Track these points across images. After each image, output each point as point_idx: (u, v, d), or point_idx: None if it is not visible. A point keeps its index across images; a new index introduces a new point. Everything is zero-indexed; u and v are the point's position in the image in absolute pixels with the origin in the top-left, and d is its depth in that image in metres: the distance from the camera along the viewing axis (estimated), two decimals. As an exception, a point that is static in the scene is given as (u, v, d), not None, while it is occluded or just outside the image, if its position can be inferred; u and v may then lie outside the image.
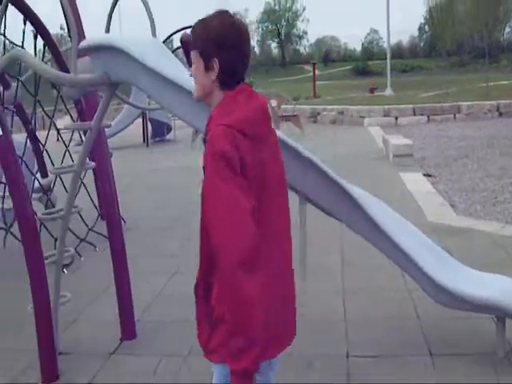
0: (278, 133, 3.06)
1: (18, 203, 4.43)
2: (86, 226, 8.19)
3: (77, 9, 5.25)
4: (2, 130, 4.29)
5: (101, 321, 5.52)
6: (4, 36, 6.92)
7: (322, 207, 4.10)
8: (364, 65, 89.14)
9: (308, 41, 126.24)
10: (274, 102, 21.78)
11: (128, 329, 5.08)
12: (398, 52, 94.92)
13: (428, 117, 22.22)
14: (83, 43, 3.86)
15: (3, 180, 7.16)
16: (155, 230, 8.79)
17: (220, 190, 2.17)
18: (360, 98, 28.38)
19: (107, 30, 4.39)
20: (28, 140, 8.18)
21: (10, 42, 7.90)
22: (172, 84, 3.30)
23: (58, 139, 8.53)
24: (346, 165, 12.48)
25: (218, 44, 2.32)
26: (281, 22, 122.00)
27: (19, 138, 7.96)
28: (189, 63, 6.57)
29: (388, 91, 32.19)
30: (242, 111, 2.31)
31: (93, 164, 4.68)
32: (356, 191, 4.07)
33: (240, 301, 2.15)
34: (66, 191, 7.36)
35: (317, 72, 40.83)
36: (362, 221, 4.08)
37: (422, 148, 15.49)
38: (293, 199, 3.15)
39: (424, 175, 11.95)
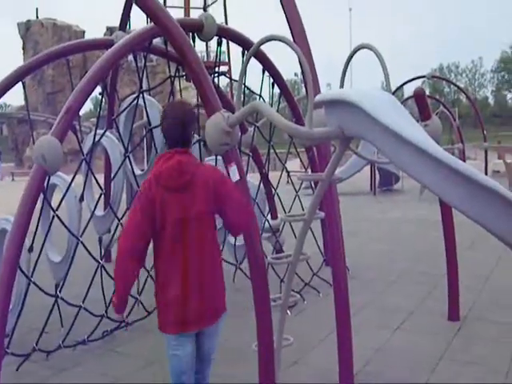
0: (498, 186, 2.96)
1: (249, 243, 4.70)
2: (311, 270, 8.40)
3: (313, 65, 5.50)
4: (240, 175, 4.60)
5: (319, 367, 5.60)
6: (245, 85, 7.44)
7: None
8: None
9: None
10: (509, 158, 20.74)
11: (345, 379, 5.05)
12: None
13: None
14: (318, 98, 3.99)
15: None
16: (380, 281, 8.74)
17: (131, 209, 3.86)
18: None
19: (341, 85, 4.54)
20: (261, 183, 8.63)
21: (249, 91, 8.48)
22: (404, 142, 3.29)
23: (288, 181, 8.92)
24: None
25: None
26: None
27: (253, 180, 8.44)
28: (421, 117, 6.54)
29: None
30: (158, 169, 3.75)
31: (322, 214, 4.79)
32: None
33: (116, 274, 3.70)
34: (293, 232, 7.70)
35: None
36: None
37: None
38: None
39: None
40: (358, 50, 4.37)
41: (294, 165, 16.45)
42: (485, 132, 23.30)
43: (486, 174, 20.53)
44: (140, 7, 5.05)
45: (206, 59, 40.20)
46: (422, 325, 6.72)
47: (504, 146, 25.52)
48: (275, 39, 4.13)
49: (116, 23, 9.89)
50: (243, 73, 4.73)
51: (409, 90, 29.00)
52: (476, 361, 5.67)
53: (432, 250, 9.71)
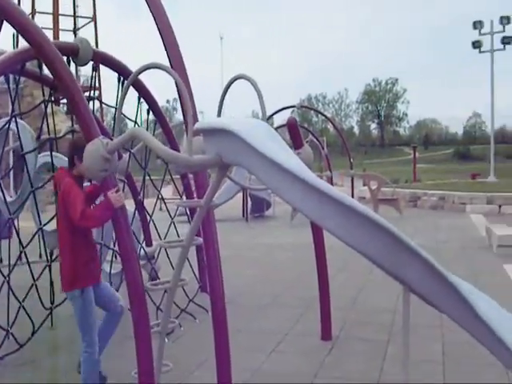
0: (379, 217, 3.14)
1: (129, 270, 4.70)
2: (187, 296, 8.41)
3: (191, 93, 5.61)
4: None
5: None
6: (121, 113, 7.39)
7: (423, 297, 3.90)
8: (465, 149, 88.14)
9: (408, 123, 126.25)
10: (373, 185, 21.77)
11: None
12: (502, 136, 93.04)
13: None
14: (197, 126, 4.06)
15: (112, 246, 7.56)
16: (254, 306, 8.87)
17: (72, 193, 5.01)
18: (462, 184, 28.40)
19: (219, 114, 4.65)
20: (136, 210, 8.57)
21: (125, 117, 8.44)
22: (279, 168, 3.42)
23: (160, 208, 8.89)
24: (447, 253, 12.34)
25: None
26: (381, 103, 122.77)
27: (128, 206, 8.36)
28: (293, 145, 6.78)
29: (491, 178, 31.90)
30: None
31: (200, 240, 4.86)
32: (461, 284, 3.79)
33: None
34: (169, 259, 7.69)
35: (417, 155, 40.65)
36: (465, 315, 3.75)
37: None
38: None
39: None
40: (236, 80, 4.50)
41: (167, 191, 16.42)
42: (351, 160, 24.37)
43: (353, 200, 21.39)
44: (12, 25, 4.81)
45: (76, 83, 39.23)
46: (296, 346, 6.91)
47: (368, 173, 26.86)
48: (155, 67, 4.17)
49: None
50: (122, 102, 4.72)
51: (279, 119, 29.83)
52: (347, 376, 5.92)
53: (304, 273, 10.03)
